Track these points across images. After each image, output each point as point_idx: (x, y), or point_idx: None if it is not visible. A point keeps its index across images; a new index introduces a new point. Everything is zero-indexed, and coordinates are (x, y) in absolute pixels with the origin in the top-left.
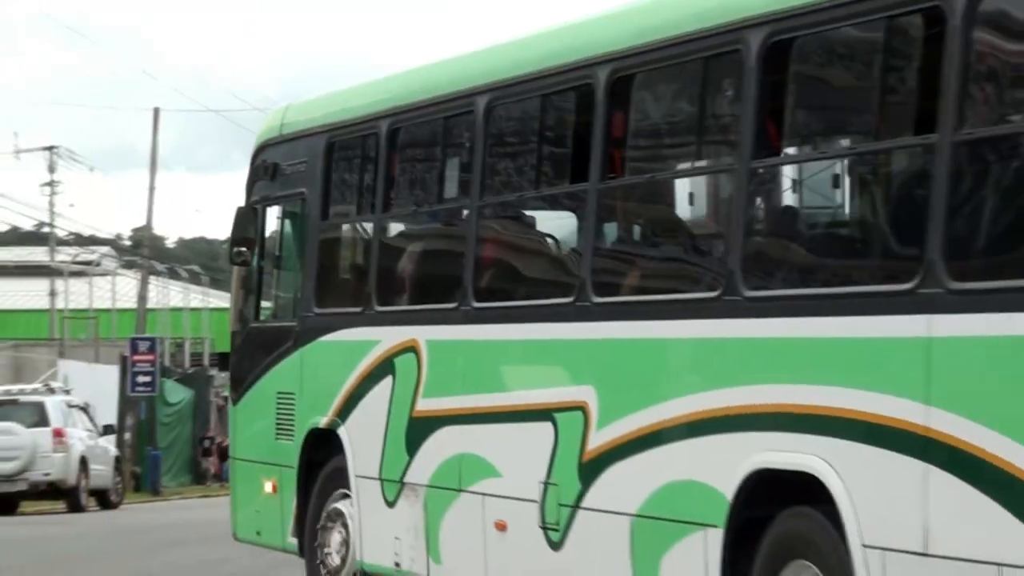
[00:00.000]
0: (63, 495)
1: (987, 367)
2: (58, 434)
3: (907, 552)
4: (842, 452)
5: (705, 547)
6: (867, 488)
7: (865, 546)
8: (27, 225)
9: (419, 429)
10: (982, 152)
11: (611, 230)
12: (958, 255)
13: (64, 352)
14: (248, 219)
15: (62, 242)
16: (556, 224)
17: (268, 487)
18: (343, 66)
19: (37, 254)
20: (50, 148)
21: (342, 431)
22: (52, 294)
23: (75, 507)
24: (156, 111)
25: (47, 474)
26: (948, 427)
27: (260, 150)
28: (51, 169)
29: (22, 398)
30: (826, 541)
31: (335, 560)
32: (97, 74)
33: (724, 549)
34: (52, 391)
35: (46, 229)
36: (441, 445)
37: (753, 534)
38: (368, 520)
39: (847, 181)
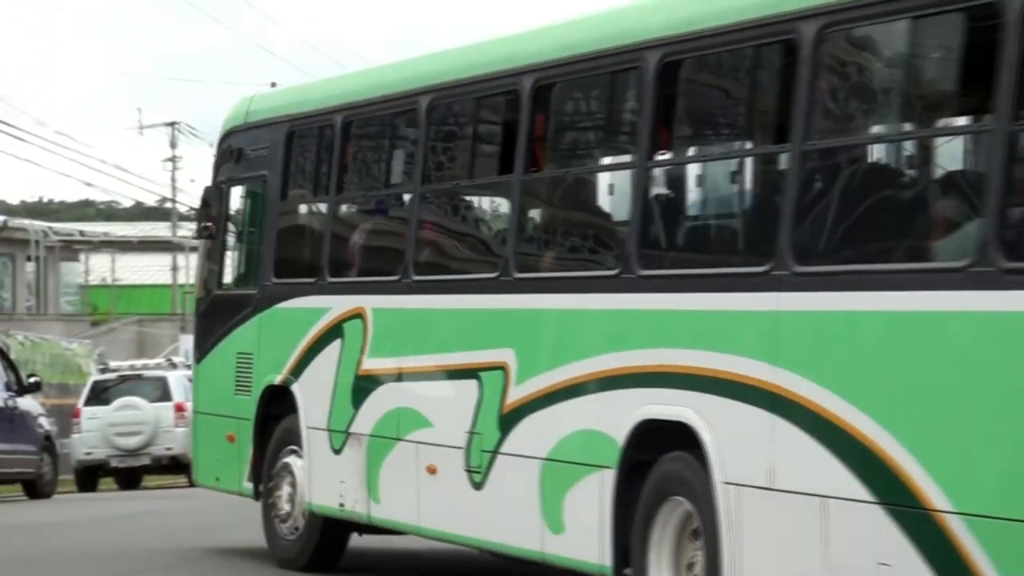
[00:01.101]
0: (184, 469)
1: (820, 335)
2: (180, 409)
3: (757, 487)
4: (709, 405)
5: (601, 486)
6: (728, 435)
7: (725, 483)
8: (150, 200)
9: (364, 386)
10: (822, 160)
11: (531, 216)
12: (802, 244)
13: (186, 327)
14: (214, 197)
15: (183, 217)
16: (485, 209)
17: (227, 438)
18: (456, 40)
19: (160, 229)
20: (172, 124)
21: (295, 387)
22: (174, 269)
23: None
24: (272, 86)
25: (169, 448)
26: (790, 384)
27: (227, 135)
28: (173, 144)
29: (146, 373)
30: (696, 480)
31: (284, 507)
32: (215, 50)
33: (616, 487)
34: (174, 366)
35: (168, 204)
36: (382, 400)
37: (639, 474)
38: (316, 466)
39: (719, 180)
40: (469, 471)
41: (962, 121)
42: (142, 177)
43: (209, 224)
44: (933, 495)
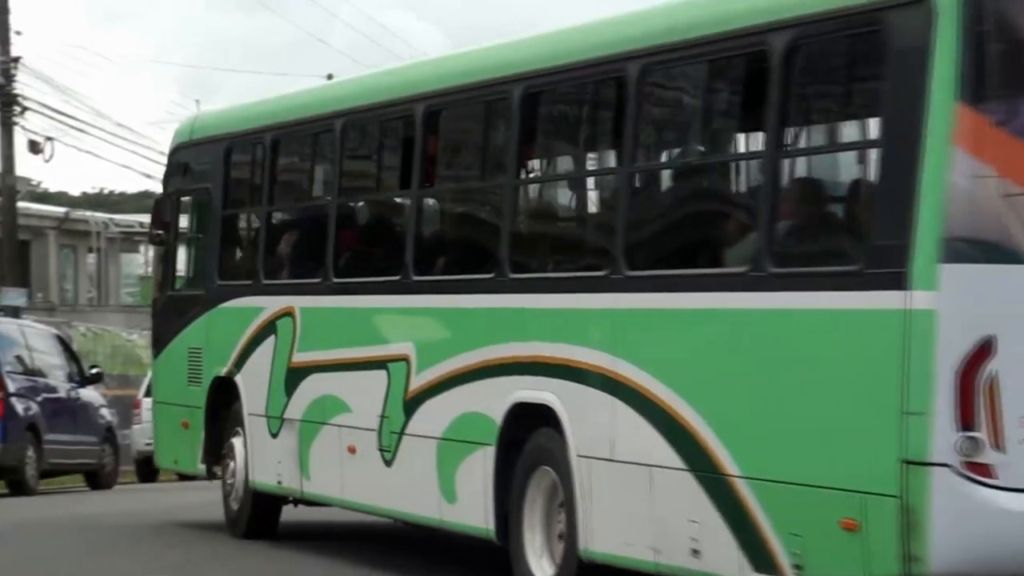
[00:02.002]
0: None
1: (644, 329)
2: None
3: (602, 459)
4: (567, 390)
5: (484, 460)
6: (580, 415)
7: (579, 455)
8: None
9: (294, 376)
10: (645, 180)
11: (426, 226)
12: (632, 252)
13: None
14: (164, 207)
15: None
16: (389, 220)
17: (182, 424)
18: (511, 31)
19: None
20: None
21: (238, 379)
22: None
23: None
24: (329, 77)
25: None
26: (624, 371)
27: (175, 151)
28: None
29: None
30: (558, 452)
31: (229, 481)
32: (272, 41)
33: (496, 461)
34: None
35: None
36: (310, 389)
37: (515, 450)
38: (257, 448)
39: (570, 198)
40: (381, 450)
41: (743, 149)
42: None
43: (160, 232)
44: (727, 463)
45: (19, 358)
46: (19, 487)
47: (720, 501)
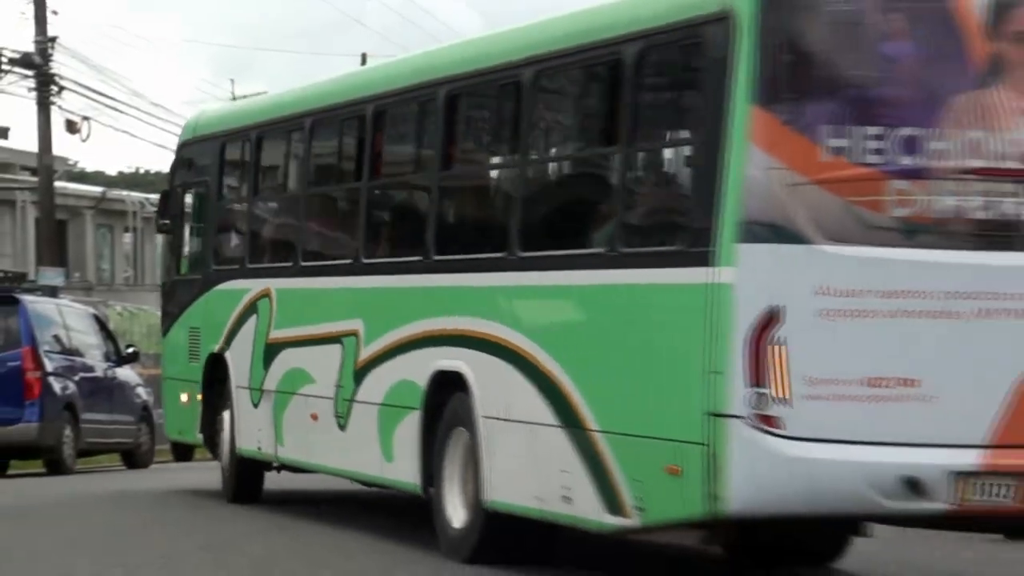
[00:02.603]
0: None
1: (530, 302)
2: None
3: (500, 419)
4: (475, 358)
5: (413, 423)
6: (484, 380)
7: (484, 416)
8: None
9: (271, 352)
10: (536, 173)
11: (373, 214)
12: (523, 236)
13: None
14: (171, 199)
15: None
16: (346, 209)
17: (184, 398)
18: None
19: None
20: (263, 94)
21: (227, 355)
22: None
23: None
24: (363, 57)
25: None
26: (516, 340)
27: (181, 147)
28: None
29: None
30: (469, 414)
31: (223, 451)
32: (307, 21)
33: (422, 423)
34: None
35: None
36: (283, 362)
37: (437, 413)
38: (242, 418)
39: (478, 189)
40: (336, 416)
41: (604, 147)
42: None
43: (167, 222)
44: (589, 419)
45: (56, 337)
46: (56, 466)
47: (584, 453)
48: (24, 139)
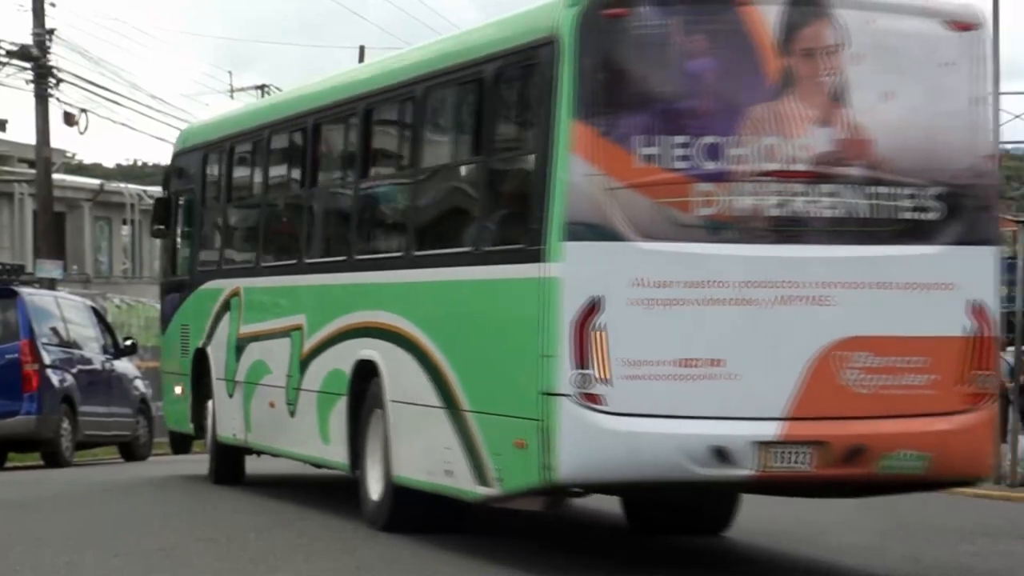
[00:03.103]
0: None
1: (420, 296)
2: None
3: (402, 402)
4: (385, 348)
5: (342, 408)
6: (391, 368)
7: (391, 400)
8: None
9: (240, 345)
10: (419, 185)
11: (311, 219)
12: (416, 236)
13: None
14: (164, 205)
15: None
16: (291, 215)
17: (179, 390)
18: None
19: None
20: (261, 87)
21: (208, 349)
22: None
23: None
24: (361, 49)
25: None
26: (411, 330)
27: (173, 157)
28: None
29: None
30: (381, 399)
31: (208, 437)
32: (306, 13)
33: (348, 408)
34: None
35: None
36: (249, 355)
37: (362, 397)
38: (221, 407)
39: (386, 198)
40: (288, 404)
41: (471, 158)
42: None
43: (162, 227)
44: (463, 401)
45: (54, 330)
46: (54, 459)
47: (460, 431)
48: (22, 131)
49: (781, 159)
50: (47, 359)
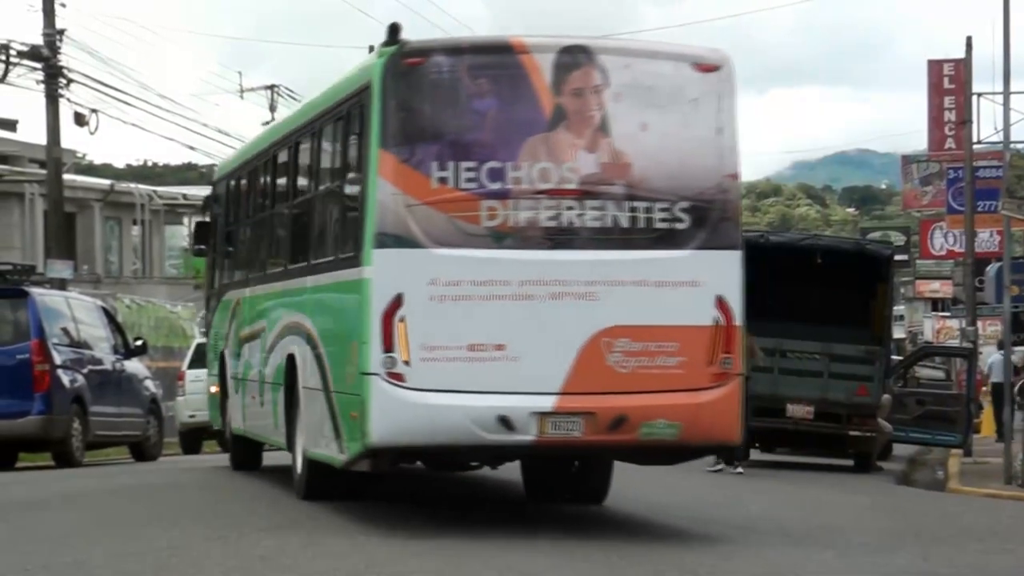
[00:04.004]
0: None
1: (312, 300)
2: None
3: (306, 388)
4: (301, 344)
5: (281, 395)
6: (302, 360)
7: (303, 387)
8: None
9: (241, 346)
10: (300, 213)
11: (267, 238)
12: (314, 251)
13: None
14: (202, 228)
15: None
16: (259, 235)
17: (213, 389)
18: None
19: None
20: (271, 87)
21: (225, 352)
22: None
23: None
24: (371, 49)
25: None
26: (308, 326)
27: (212, 185)
28: (272, 108)
29: None
30: (296, 386)
31: (227, 429)
32: (314, 12)
33: (284, 395)
34: None
35: None
36: (243, 356)
37: (291, 387)
38: (233, 402)
39: (297, 218)
40: (260, 396)
41: (329, 184)
42: (243, 140)
43: (202, 247)
44: (331, 383)
45: (65, 330)
46: (65, 459)
47: (330, 409)
48: (32, 132)
49: (553, 180)
50: (58, 359)
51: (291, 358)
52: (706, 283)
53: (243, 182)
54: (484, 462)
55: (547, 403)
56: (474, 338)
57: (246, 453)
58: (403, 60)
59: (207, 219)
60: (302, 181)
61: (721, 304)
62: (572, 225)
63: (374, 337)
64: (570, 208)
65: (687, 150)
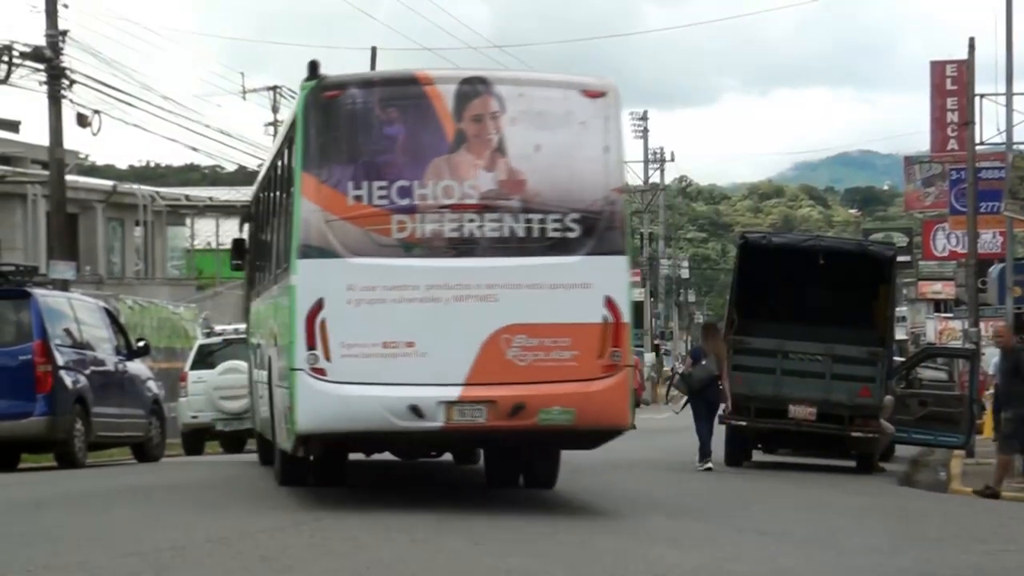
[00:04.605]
0: None
1: (270, 306)
2: None
3: (274, 385)
4: (273, 346)
5: (267, 394)
6: (273, 360)
7: (274, 384)
8: (252, 165)
9: (254, 352)
10: (269, 232)
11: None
12: (279, 260)
13: None
14: (239, 245)
15: None
16: (257, 254)
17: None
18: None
19: None
20: (273, 88)
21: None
22: None
23: None
24: (373, 50)
25: None
26: (276, 330)
27: (245, 207)
28: (274, 109)
29: None
30: (271, 383)
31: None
32: (316, 13)
33: (268, 392)
34: None
35: None
36: (254, 359)
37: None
38: (254, 401)
39: (271, 240)
40: (261, 396)
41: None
42: (245, 141)
43: (239, 261)
44: (275, 381)
45: (67, 331)
46: (67, 460)
47: (280, 402)
48: (35, 133)
49: (456, 196)
50: (60, 360)
51: (269, 359)
52: (595, 285)
53: (257, 203)
54: (399, 448)
55: (453, 393)
56: (387, 336)
57: (268, 450)
58: (322, 93)
59: (242, 236)
60: (275, 201)
61: (610, 304)
62: (473, 236)
63: (299, 336)
64: (471, 221)
65: (577, 167)
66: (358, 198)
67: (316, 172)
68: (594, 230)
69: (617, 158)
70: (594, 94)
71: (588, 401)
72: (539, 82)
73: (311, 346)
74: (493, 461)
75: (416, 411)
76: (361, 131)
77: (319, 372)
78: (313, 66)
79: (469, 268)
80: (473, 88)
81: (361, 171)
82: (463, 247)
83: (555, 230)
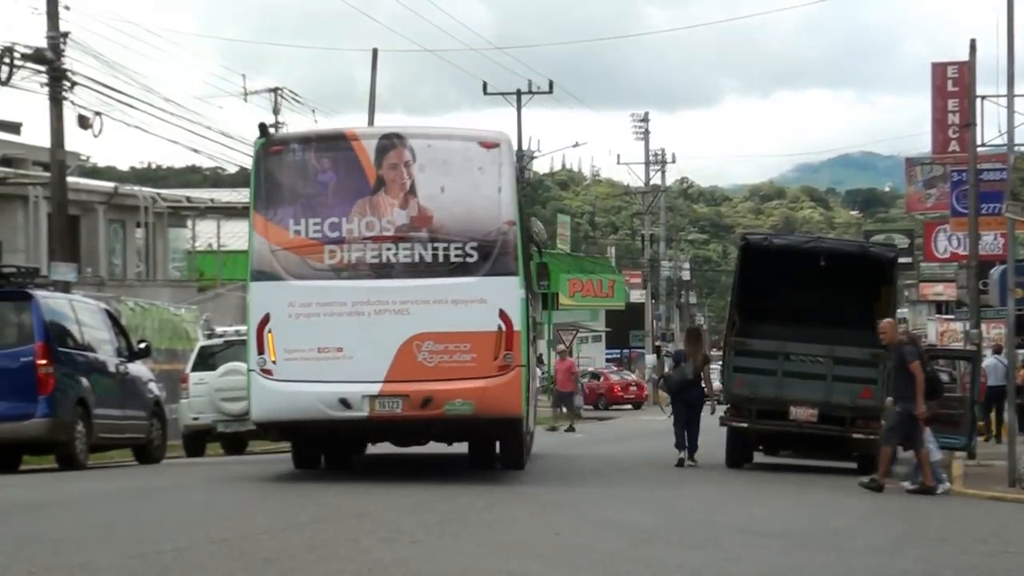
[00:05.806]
0: None
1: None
2: None
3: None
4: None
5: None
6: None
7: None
8: None
9: None
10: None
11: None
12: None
13: None
14: None
15: None
16: None
17: None
18: (553, 13)
19: None
20: (275, 90)
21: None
22: None
23: None
24: (375, 52)
25: None
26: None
27: None
28: (275, 110)
29: None
30: None
31: None
32: (318, 15)
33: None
34: None
35: None
36: None
37: None
38: None
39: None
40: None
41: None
42: (246, 143)
43: None
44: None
45: (69, 333)
46: (68, 461)
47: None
48: (36, 134)
49: (376, 229)
50: (62, 362)
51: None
52: (491, 300)
53: None
54: (334, 434)
55: (375, 388)
56: (321, 343)
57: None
58: (269, 148)
59: None
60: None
61: (503, 315)
62: (390, 261)
63: (253, 344)
64: (388, 249)
65: (475, 205)
66: (297, 232)
67: (264, 212)
68: (490, 255)
69: (509, 197)
70: (489, 145)
71: (485, 395)
72: (444, 135)
73: (260, 351)
74: (474, 448)
75: (345, 403)
76: (300, 178)
77: (267, 372)
78: (262, 128)
79: (387, 288)
80: (390, 141)
81: (300, 210)
82: (382, 270)
83: (457, 256)
